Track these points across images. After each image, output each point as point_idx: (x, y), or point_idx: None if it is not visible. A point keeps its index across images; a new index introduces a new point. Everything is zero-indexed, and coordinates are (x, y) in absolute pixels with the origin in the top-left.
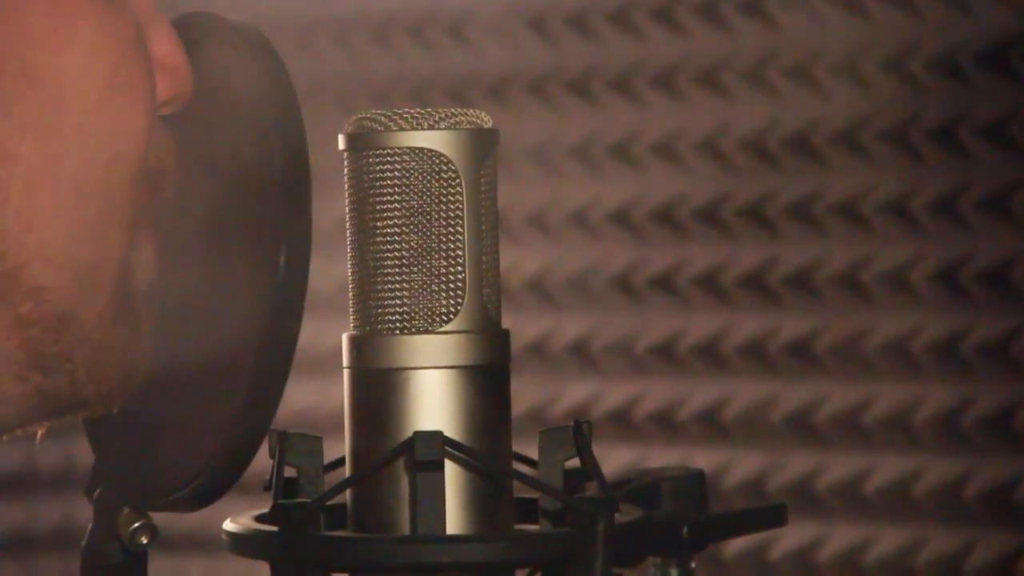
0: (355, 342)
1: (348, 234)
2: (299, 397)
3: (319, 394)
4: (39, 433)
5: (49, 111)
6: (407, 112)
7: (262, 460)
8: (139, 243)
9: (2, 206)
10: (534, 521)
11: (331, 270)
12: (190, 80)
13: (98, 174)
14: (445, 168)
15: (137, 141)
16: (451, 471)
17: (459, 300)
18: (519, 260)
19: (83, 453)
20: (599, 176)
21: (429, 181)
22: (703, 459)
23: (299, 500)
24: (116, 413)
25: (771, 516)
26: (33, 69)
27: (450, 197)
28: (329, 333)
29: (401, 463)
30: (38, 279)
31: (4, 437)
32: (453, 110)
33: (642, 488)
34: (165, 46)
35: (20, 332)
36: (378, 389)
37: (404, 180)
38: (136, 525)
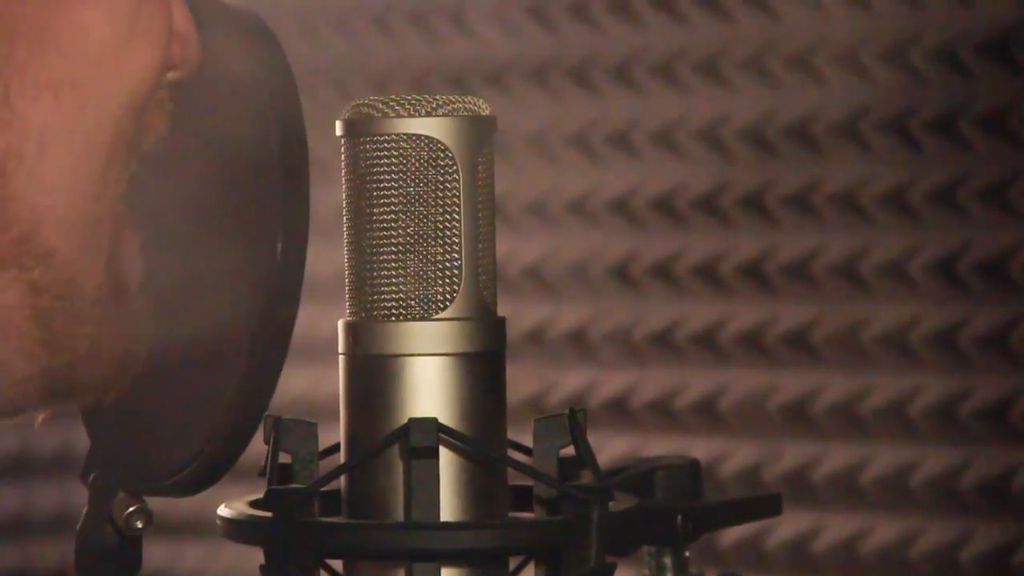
0: (351, 328)
1: (344, 220)
2: (295, 383)
3: (315, 380)
4: (38, 420)
5: (66, 68)
6: (404, 98)
7: (257, 446)
8: (126, 236)
9: (15, 170)
10: (528, 509)
11: (329, 256)
12: (198, 49)
13: (110, 128)
14: (442, 155)
15: (147, 89)
16: (445, 458)
17: (455, 287)
18: (517, 248)
19: (80, 438)
20: (598, 164)
21: (426, 168)
22: (700, 448)
23: (293, 486)
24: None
25: (766, 505)
26: (51, 29)
27: (447, 184)
28: (326, 319)
29: (396, 450)
30: (49, 242)
31: (2, 422)
32: (450, 97)
33: (637, 476)
34: (177, 13)
35: (32, 300)
36: (373, 376)
37: (401, 167)
38: (131, 509)
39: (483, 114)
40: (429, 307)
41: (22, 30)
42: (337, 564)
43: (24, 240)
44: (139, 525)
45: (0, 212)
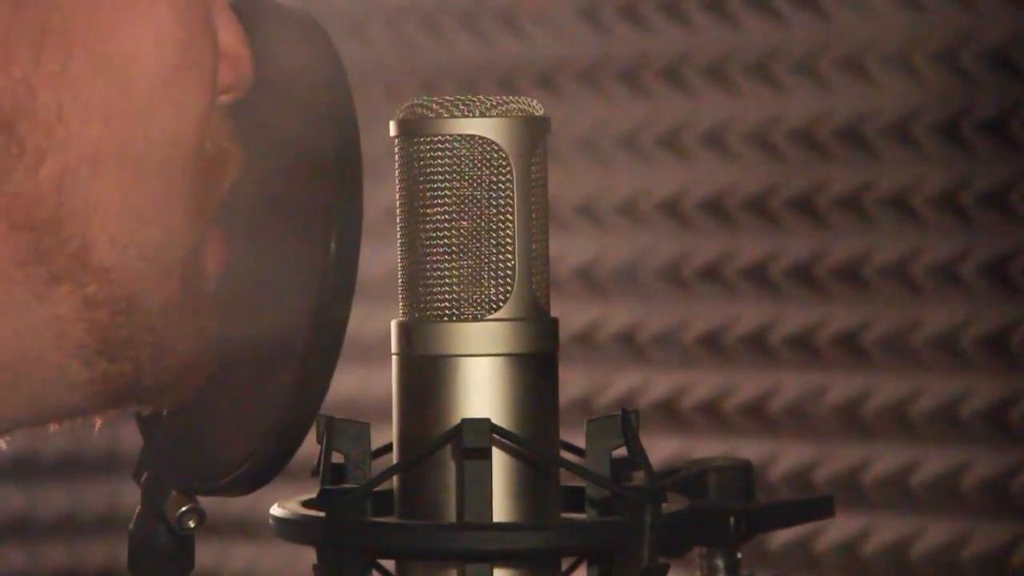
0: (404, 329)
1: (398, 220)
2: (346, 383)
3: (366, 380)
4: (97, 423)
5: (117, 94)
6: (459, 99)
7: (309, 446)
8: (209, 236)
9: (72, 189)
10: (581, 510)
11: (380, 256)
12: (251, 70)
13: (160, 155)
14: (496, 156)
15: (197, 120)
16: (498, 458)
17: (508, 288)
18: (567, 249)
19: (129, 437)
20: (648, 165)
21: (480, 169)
22: (750, 450)
23: (346, 486)
24: None
25: (818, 507)
26: (103, 53)
27: (501, 185)
28: (377, 319)
29: (448, 450)
30: (104, 259)
31: (64, 424)
32: (505, 98)
33: (689, 478)
34: (228, 34)
35: (88, 314)
36: (426, 376)
37: (455, 167)
38: (183, 509)
39: (537, 115)
40: (482, 308)
41: (76, 48)
42: (389, 564)
43: (78, 256)
44: (192, 525)
45: (57, 228)
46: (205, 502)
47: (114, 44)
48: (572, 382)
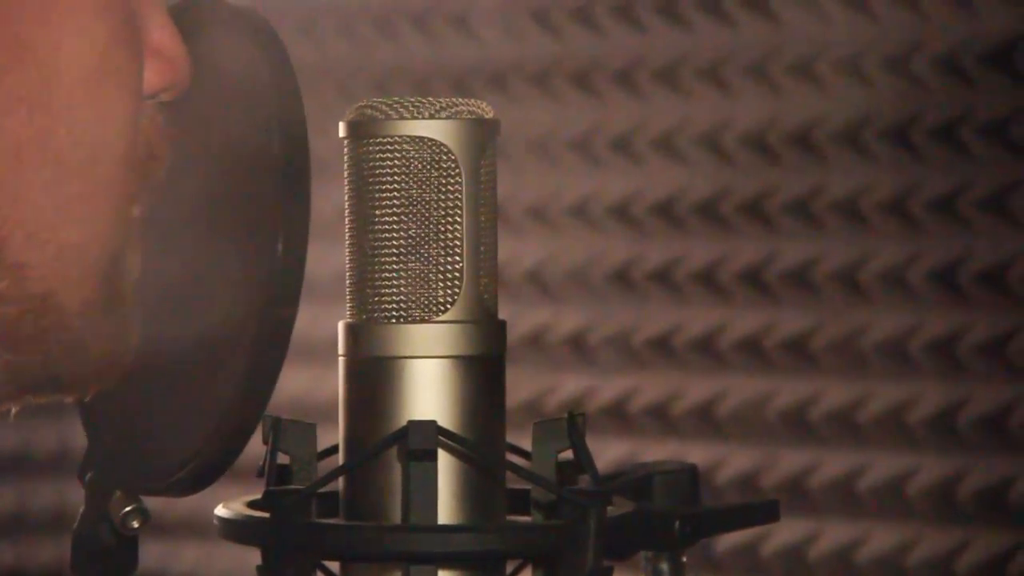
0: (351, 330)
1: (346, 222)
2: (295, 384)
3: (316, 381)
4: (11, 412)
5: (39, 85)
6: (408, 101)
7: (256, 446)
8: (134, 235)
9: None
10: (526, 512)
11: (330, 258)
12: (187, 69)
13: (83, 155)
14: (445, 157)
15: (122, 128)
16: (444, 461)
17: (456, 290)
18: (518, 252)
19: (77, 436)
20: (599, 169)
21: (429, 170)
22: (698, 454)
23: (291, 487)
24: (110, 395)
25: (763, 512)
26: (27, 42)
27: (449, 187)
28: (326, 321)
29: (394, 452)
30: (19, 255)
31: None
32: (454, 99)
33: (635, 481)
34: (162, 34)
35: None
36: (373, 377)
37: (404, 169)
38: (128, 509)
39: (486, 117)
40: (430, 309)
41: (3, 37)
42: (334, 566)
43: None
44: (135, 525)
45: None
46: (153, 502)
47: (38, 36)
48: (522, 385)
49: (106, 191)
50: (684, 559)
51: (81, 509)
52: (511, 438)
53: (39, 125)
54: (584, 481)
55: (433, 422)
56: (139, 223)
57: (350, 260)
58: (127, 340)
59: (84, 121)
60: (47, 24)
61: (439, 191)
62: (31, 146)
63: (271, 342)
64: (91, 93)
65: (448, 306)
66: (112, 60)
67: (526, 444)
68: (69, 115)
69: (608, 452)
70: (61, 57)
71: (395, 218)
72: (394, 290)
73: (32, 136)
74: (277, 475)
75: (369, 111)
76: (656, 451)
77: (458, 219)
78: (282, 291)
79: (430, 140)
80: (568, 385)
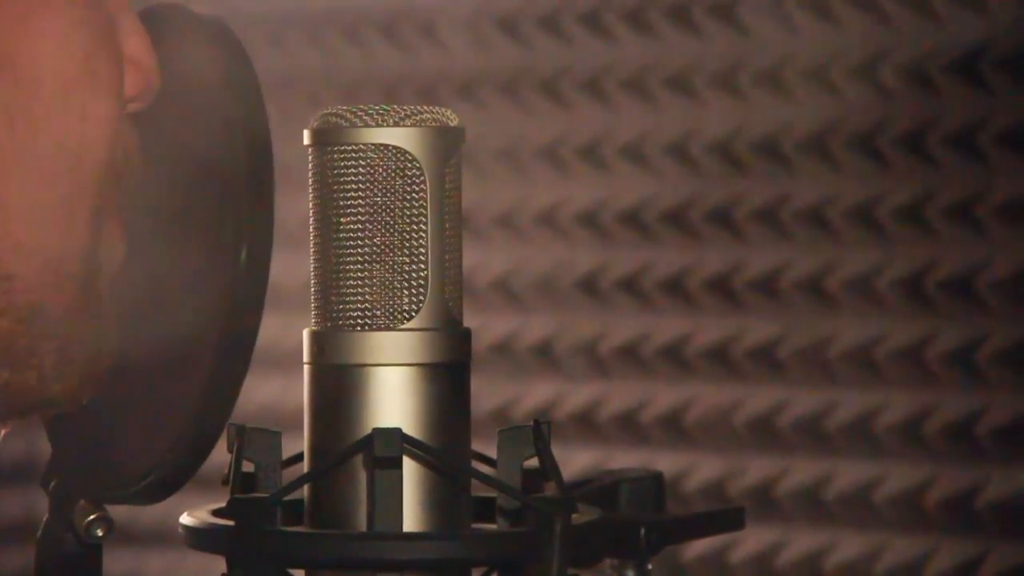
0: (316, 338)
1: (311, 229)
2: (261, 392)
3: (281, 389)
4: (1, 433)
5: (20, 95)
6: (372, 108)
7: (222, 454)
8: (106, 235)
9: None
10: (492, 520)
11: (294, 265)
12: (157, 77)
13: (65, 163)
14: (409, 165)
15: (103, 133)
16: (409, 468)
17: (421, 298)
18: (485, 260)
19: (44, 445)
20: (567, 177)
21: (393, 178)
22: (665, 462)
23: (256, 495)
24: None
25: (729, 520)
26: (7, 53)
27: (414, 194)
28: (292, 329)
29: (359, 459)
30: (7, 267)
31: None
32: (418, 107)
33: (600, 489)
34: (135, 43)
35: None
36: (338, 385)
37: (368, 176)
38: (91, 517)
39: (451, 124)
40: (394, 317)
41: None
42: (299, 574)
43: None
44: (99, 533)
45: None
46: (118, 511)
47: (17, 47)
48: (489, 392)
49: (86, 199)
50: (650, 567)
51: (45, 518)
52: (481, 446)
53: (22, 135)
54: (549, 489)
55: (398, 430)
56: (116, 224)
57: (315, 268)
58: (109, 340)
59: (66, 130)
60: (26, 34)
61: (404, 199)
62: (14, 157)
63: (235, 350)
64: (72, 101)
65: (413, 314)
66: (92, 68)
67: (493, 452)
68: (51, 124)
69: (576, 460)
70: (42, 66)
71: (360, 226)
72: (359, 298)
73: (15, 147)
74: (242, 483)
75: (333, 119)
76: (624, 459)
77: (423, 227)
78: (246, 299)
79: (394, 148)
80: (535, 393)
